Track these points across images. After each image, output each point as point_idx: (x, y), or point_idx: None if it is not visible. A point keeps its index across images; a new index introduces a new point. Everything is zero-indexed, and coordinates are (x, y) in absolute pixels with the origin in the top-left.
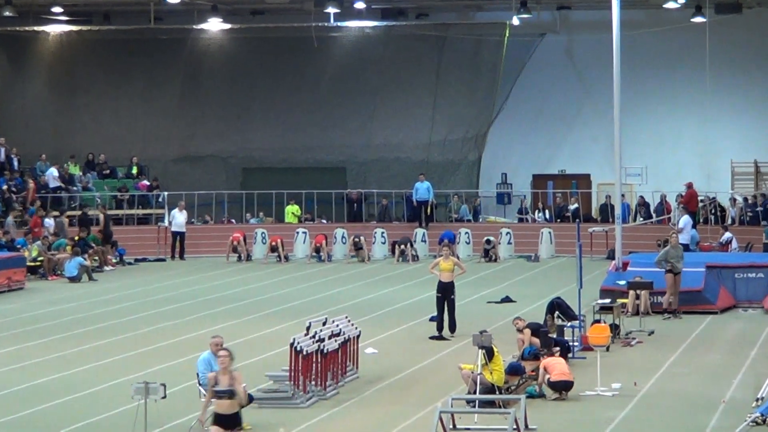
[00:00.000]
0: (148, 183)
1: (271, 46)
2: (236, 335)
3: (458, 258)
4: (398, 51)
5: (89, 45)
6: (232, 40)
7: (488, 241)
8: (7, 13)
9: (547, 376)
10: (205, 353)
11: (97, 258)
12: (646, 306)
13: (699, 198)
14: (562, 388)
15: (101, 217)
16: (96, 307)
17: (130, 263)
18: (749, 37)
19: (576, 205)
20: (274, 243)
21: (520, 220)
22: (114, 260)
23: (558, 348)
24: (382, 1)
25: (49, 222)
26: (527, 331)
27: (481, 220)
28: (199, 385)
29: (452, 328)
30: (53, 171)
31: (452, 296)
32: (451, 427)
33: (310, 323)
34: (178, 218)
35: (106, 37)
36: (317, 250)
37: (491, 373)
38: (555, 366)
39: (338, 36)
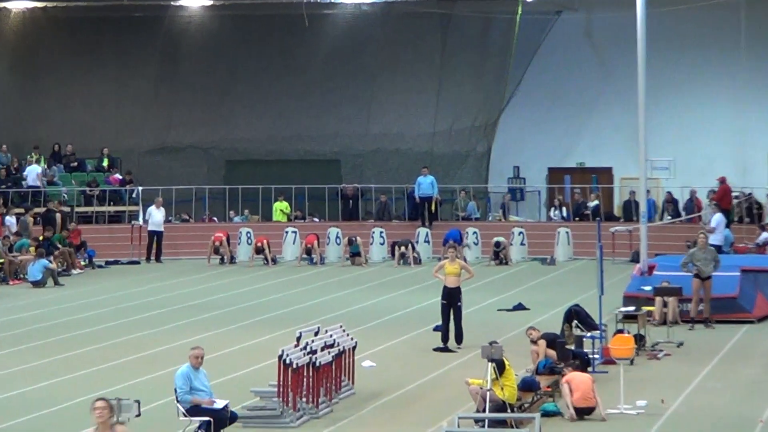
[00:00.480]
0: (120, 177)
1: (257, 25)
2: (218, 346)
3: (465, 261)
4: (398, 30)
5: (55, 23)
6: (214, 17)
7: (498, 243)
8: None
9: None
10: (184, 367)
11: (63, 260)
12: (675, 314)
13: (733, 194)
14: (584, 413)
15: (57, 216)
16: (62, 315)
17: (100, 266)
18: None
19: (596, 202)
20: (260, 244)
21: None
22: (83, 263)
23: (576, 361)
24: None
25: (11, 220)
26: (542, 343)
27: (490, 218)
28: (177, 402)
29: (459, 338)
30: (36, 168)
31: (458, 303)
32: None
33: (300, 333)
34: (155, 216)
35: (74, 15)
36: (308, 251)
37: (502, 388)
38: (579, 385)
39: (332, 13)
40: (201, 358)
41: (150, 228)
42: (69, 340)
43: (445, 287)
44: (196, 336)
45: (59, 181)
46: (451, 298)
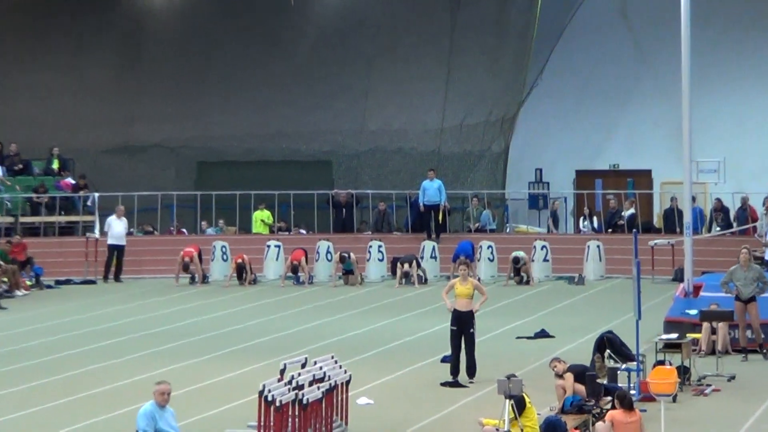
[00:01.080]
0: (73, 181)
1: (235, 4)
2: (189, 380)
3: (479, 280)
4: (400, 9)
5: None
6: None
7: (517, 258)
8: None
9: None
10: (148, 405)
11: (6, 279)
12: (725, 343)
13: None
14: None
15: None
16: (4, 344)
17: (49, 286)
18: None
19: (632, 211)
20: (239, 260)
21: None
22: (29, 282)
23: (609, 397)
24: None
25: None
26: (569, 376)
27: (508, 230)
28: None
29: (471, 371)
30: None
31: (471, 330)
32: None
33: (285, 365)
34: (116, 227)
35: None
36: (294, 269)
37: (522, 430)
38: (626, 427)
39: None
40: (168, 395)
41: (110, 241)
42: (11, 374)
43: (455, 311)
44: (162, 368)
45: (0, 186)
46: (463, 324)
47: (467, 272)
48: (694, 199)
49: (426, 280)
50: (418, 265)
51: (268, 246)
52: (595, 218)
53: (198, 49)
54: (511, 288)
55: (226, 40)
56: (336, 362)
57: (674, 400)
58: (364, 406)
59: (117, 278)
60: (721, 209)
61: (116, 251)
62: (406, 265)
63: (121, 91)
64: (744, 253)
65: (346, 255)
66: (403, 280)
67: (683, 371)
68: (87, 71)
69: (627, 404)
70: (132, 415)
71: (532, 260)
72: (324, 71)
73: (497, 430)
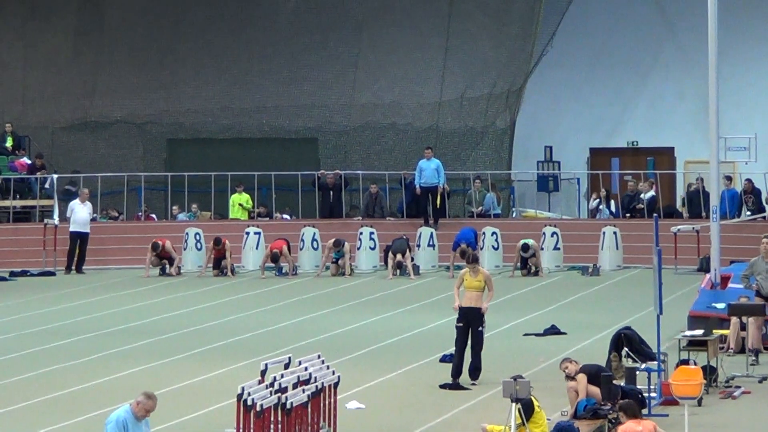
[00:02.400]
0: (29, 161)
1: None
2: (161, 382)
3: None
4: None
5: None
6: None
7: (526, 246)
8: None
9: None
10: (121, 411)
11: None
12: (756, 340)
13: None
14: None
15: None
16: None
17: (3, 278)
18: None
19: (653, 193)
20: (218, 249)
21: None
22: None
23: (627, 401)
24: None
25: None
26: (582, 377)
27: (515, 214)
28: None
29: (475, 373)
30: None
31: (480, 328)
32: None
33: (266, 366)
34: (79, 213)
35: None
36: (275, 258)
37: None
38: None
39: None
40: (149, 413)
41: (72, 228)
42: None
43: (461, 307)
44: (130, 369)
45: None
46: (471, 321)
47: (475, 266)
48: (730, 179)
49: (419, 271)
50: (411, 256)
51: (247, 233)
52: (611, 201)
53: (166, 14)
54: (518, 279)
55: (198, 4)
56: (323, 362)
57: (699, 403)
58: (355, 410)
59: (79, 269)
60: (751, 191)
61: (79, 239)
62: (399, 255)
63: (80, 61)
64: (765, 242)
65: (343, 242)
66: (397, 271)
67: (709, 371)
68: (41, 38)
69: (632, 414)
70: (94, 422)
71: (542, 249)
72: (308, 38)
73: None
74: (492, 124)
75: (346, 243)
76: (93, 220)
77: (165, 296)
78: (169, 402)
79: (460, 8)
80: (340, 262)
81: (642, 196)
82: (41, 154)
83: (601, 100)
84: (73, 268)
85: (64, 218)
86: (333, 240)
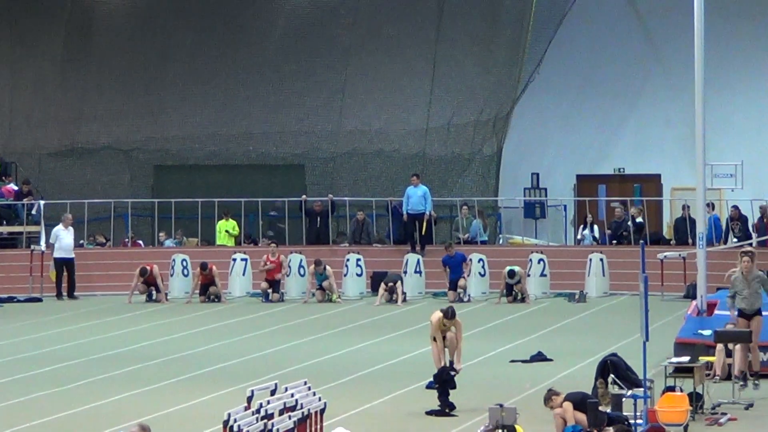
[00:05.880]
0: (15, 187)
1: None
2: (145, 409)
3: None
4: None
5: None
6: None
7: (512, 273)
8: None
9: None
10: None
11: None
12: (743, 363)
13: None
14: None
15: None
16: None
17: None
18: None
19: (640, 220)
20: (205, 275)
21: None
22: None
23: (620, 425)
24: None
25: None
26: (568, 405)
27: (501, 241)
28: None
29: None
30: None
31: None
32: None
33: (252, 392)
34: (64, 239)
35: None
36: (272, 285)
37: None
38: None
39: None
40: None
41: (57, 254)
42: None
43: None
44: (115, 396)
45: None
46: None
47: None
48: (712, 206)
49: (406, 297)
50: (401, 282)
51: (234, 260)
52: (597, 228)
53: (154, 40)
54: (505, 306)
55: (185, 30)
56: (309, 389)
57: (685, 430)
58: None
59: (71, 294)
60: (738, 218)
61: (65, 265)
62: (392, 284)
63: (68, 87)
64: (746, 260)
65: (322, 261)
66: (383, 299)
67: (696, 398)
68: (28, 64)
69: None
70: None
71: (528, 275)
72: (295, 65)
73: None
74: (479, 151)
75: (327, 267)
76: (79, 246)
77: (152, 322)
78: (156, 428)
79: (446, 35)
80: (324, 284)
81: (629, 222)
82: (28, 180)
83: (588, 126)
84: (65, 294)
85: (52, 244)
86: (314, 262)
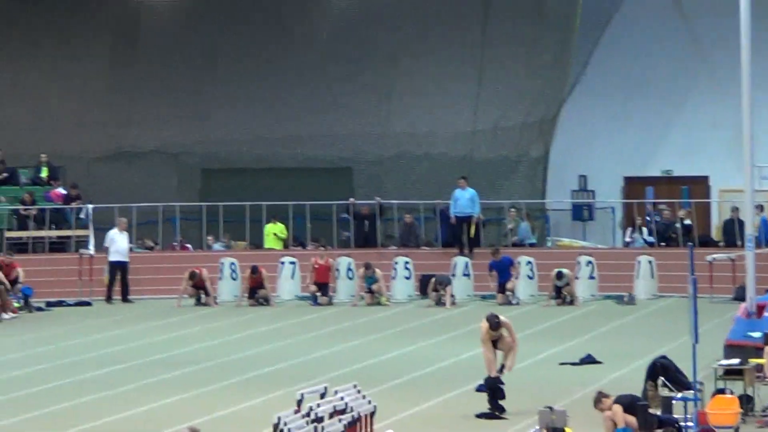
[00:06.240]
0: (64, 191)
1: None
2: (196, 412)
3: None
4: None
5: None
6: None
7: (560, 275)
8: None
9: None
10: None
11: None
12: None
13: None
14: None
15: None
16: None
17: (39, 308)
18: None
19: (688, 222)
20: (254, 278)
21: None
22: (17, 304)
23: (662, 431)
24: None
25: None
26: (618, 408)
27: (550, 244)
28: None
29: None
30: None
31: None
32: None
33: (302, 395)
34: (119, 242)
35: None
36: (320, 288)
37: None
38: None
39: None
40: None
41: (112, 258)
42: None
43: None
44: (164, 400)
45: None
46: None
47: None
48: (761, 208)
49: (454, 300)
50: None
51: (282, 263)
52: (645, 230)
53: (201, 44)
54: (554, 309)
55: (233, 34)
56: (359, 392)
57: None
58: None
59: (125, 298)
60: None
61: (120, 269)
62: (439, 286)
63: (116, 91)
64: None
65: (371, 265)
66: (436, 300)
67: (746, 400)
68: (77, 71)
69: None
70: None
71: (577, 278)
72: (343, 68)
73: None
74: (526, 153)
75: (377, 270)
76: (129, 250)
77: (201, 326)
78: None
79: (493, 37)
80: (374, 287)
81: (677, 224)
82: (76, 184)
83: (635, 128)
84: (115, 297)
85: (100, 248)
86: (364, 264)
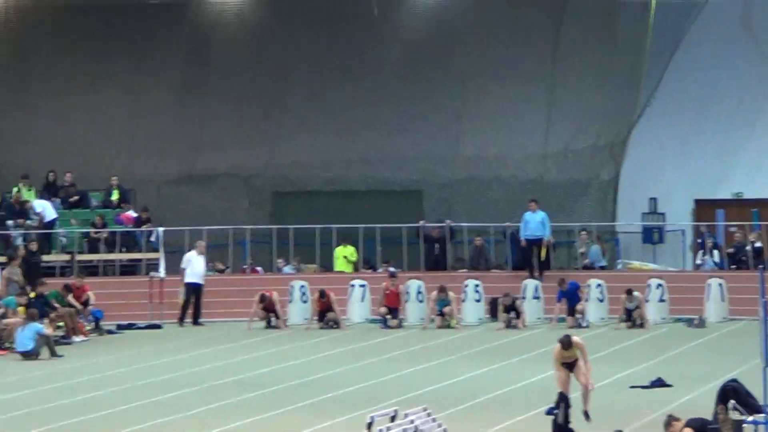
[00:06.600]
0: (135, 214)
1: (311, 16)
2: None
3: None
4: (497, 21)
5: (48, 14)
6: (256, 5)
7: (630, 292)
8: None
9: None
10: None
11: (62, 324)
12: None
13: None
14: None
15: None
16: (60, 396)
17: (110, 331)
18: None
19: (759, 244)
20: (323, 302)
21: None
22: (88, 327)
23: None
24: None
25: None
26: (688, 431)
27: (620, 266)
28: None
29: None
30: (45, 205)
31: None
32: None
33: (372, 419)
34: (196, 265)
35: (73, 3)
36: (390, 312)
37: None
38: None
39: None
40: None
41: (188, 279)
42: (68, 430)
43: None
44: (235, 423)
45: (55, 220)
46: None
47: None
48: None
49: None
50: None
51: (352, 285)
52: (716, 253)
53: (272, 67)
54: (624, 331)
55: (303, 57)
56: (429, 415)
57: None
58: None
59: (196, 321)
60: None
61: (194, 291)
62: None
63: (187, 114)
64: None
65: (445, 288)
66: (507, 322)
67: None
68: (148, 92)
69: None
70: None
71: (647, 300)
72: (413, 90)
73: None
74: (596, 176)
75: (450, 292)
76: None
77: (271, 349)
78: None
79: (564, 59)
80: (445, 310)
81: (747, 247)
82: (147, 207)
83: (705, 150)
84: (187, 320)
85: (171, 271)
86: (438, 286)
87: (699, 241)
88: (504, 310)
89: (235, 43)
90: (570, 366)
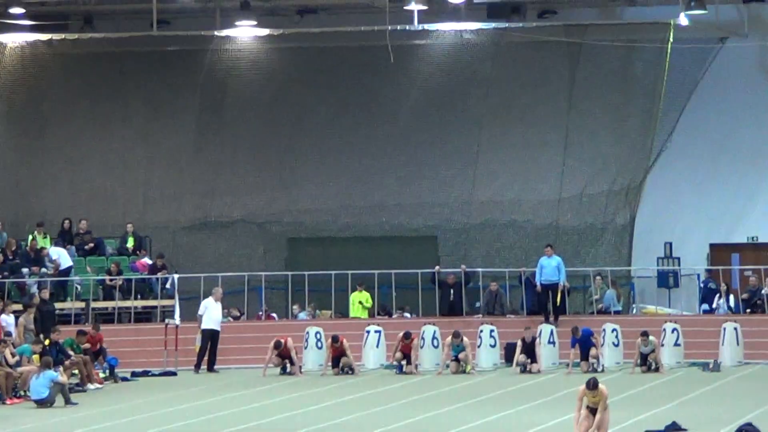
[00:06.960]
0: (149, 261)
1: (327, 61)
2: None
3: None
4: (512, 65)
5: (64, 61)
6: (272, 52)
7: (645, 336)
8: None
9: None
10: None
11: (77, 372)
12: None
13: None
14: None
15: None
16: None
17: (125, 379)
18: None
19: None
20: (336, 347)
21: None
22: (102, 374)
23: None
24: None
25: (7, 320)
26: None
27: (635, 311)
28: None
29: None
30: (60, 252)
31: None
32: None
33: None
34: (213, 311)
35: (89, 50)
36: (405, 358)
37: None
38: None
39: (425, 44)
40: None
41: (205, 326)
42: None
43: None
44: None
45: (70, 268)
46: None
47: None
48: None
49: (539, 367)
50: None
51: (368, 332)
52: (732, 297)
53: (286, 113)
54: (639, 376)
55: (318, 103)
56: None
57: None
58: None
59: (210, 368)
60: None
61: (211, 338)
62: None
63: (202, 160)
64: None
65: (460, 333)
66: (522, 366)
67: None
68: (164, 139)
69: None
70: None
71: (662, 345)
72: (428, 135)
73: None
74: (612, 221)
75: (465, 338)
76: None
77: (287, 395)
78: None
79: (579, 105)
80: (461, 355)
81: (763, 291)
82: (162, 254)
83: (721, 194)
84: (202, 367)
85: (186, 318)
86: (452, 332)
87: (701, 285)
88: (523, 346)
89: (251, 90)
90: (593, 410)
